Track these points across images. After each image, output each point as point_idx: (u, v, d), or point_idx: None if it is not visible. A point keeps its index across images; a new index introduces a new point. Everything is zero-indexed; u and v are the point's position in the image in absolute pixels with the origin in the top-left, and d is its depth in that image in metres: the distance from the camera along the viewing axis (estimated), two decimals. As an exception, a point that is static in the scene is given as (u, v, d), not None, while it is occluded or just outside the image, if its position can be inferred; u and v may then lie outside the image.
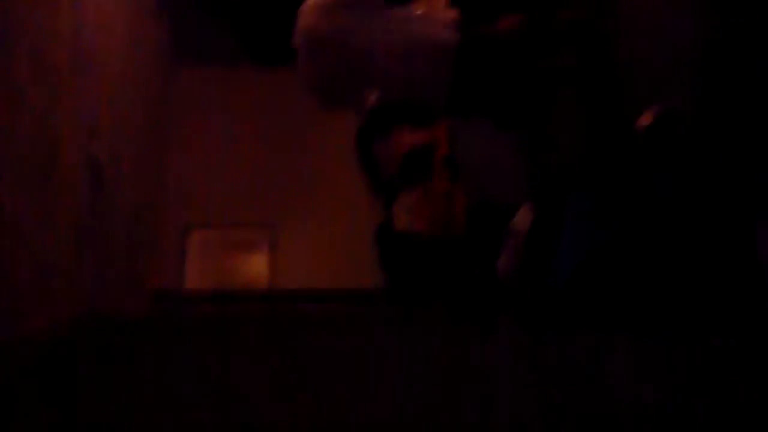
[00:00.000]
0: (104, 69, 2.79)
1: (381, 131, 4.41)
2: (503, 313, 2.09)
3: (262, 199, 4.51)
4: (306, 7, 2.88)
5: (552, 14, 2.92)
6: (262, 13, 2.95)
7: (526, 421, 1.12)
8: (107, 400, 1.10)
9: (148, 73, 3.88)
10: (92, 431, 1.04)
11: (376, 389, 1.22)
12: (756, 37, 1.89)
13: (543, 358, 1.44)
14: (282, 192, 4.54)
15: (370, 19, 2.77)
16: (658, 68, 2.46)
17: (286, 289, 3.87)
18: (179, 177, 4.53)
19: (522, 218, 2.58)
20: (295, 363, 1.52)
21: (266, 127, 4.77)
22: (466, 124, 3.67)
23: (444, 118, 3.82)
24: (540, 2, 3.28)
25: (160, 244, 4.18)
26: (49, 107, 2.09)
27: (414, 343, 1.55)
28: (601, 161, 2.76)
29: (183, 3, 4.69)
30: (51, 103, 2.11)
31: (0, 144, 1.75)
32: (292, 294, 3.04)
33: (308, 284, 4.12)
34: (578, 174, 2.88)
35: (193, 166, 4.61)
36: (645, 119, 2.41)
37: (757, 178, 1.80)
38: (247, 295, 3.14)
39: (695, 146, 2.20)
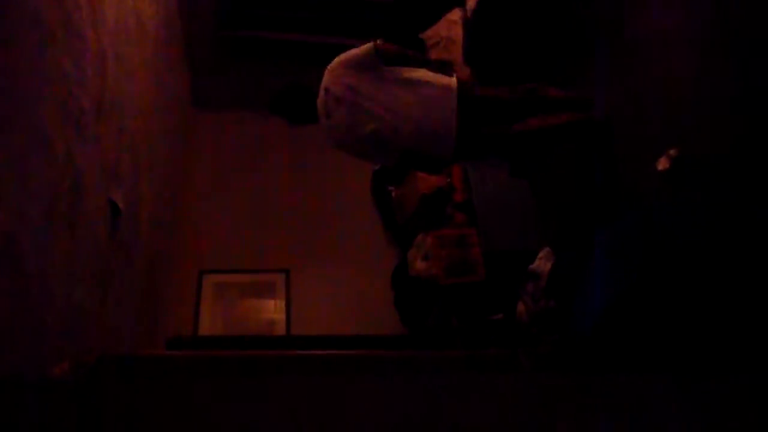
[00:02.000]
0: (126, 116, 2.85)
1: (397, 176, 4.44)
2: (524, 356, 2.07)
3: (278, 243, 4.52)
4: (328, 68, 2.99)
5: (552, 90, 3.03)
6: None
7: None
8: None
9: (168, 120, 3.95)
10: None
11: None
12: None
13: (565, 401, 1.42)
14: (297, 237, 4.55)
15: (377, 77, 2.87)
16: (677, 112, 2.48)
17: (301, 336, 3.84)
18: (195, 221, 4.56)
19: (542, 262, 2.58)
20: (311, 407, 1.51)
21: (281, 172, 4.81)
22: (481, 169, 3.70)
23: (458, 164, 3.85)
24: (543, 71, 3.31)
25: (176, 288, 4.18)
26: (73, 153, 2.13)
27: (431, 388, 1.54)
28: (613, 207, 2.77)
29: (202, 52, 4.80)
30: (75, 149, 2.15)
31: (25, 189, 1.78)
32: (308, 339, 3.02)
33: (324, 328, 4.10)
34: (592, 218, 2.89)
35: (208, 209, 4.64)
36: (663, 163, 2.42)
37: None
38: (263, 340, 3.12)
39: (715, 188, 2.21)
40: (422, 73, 2.90)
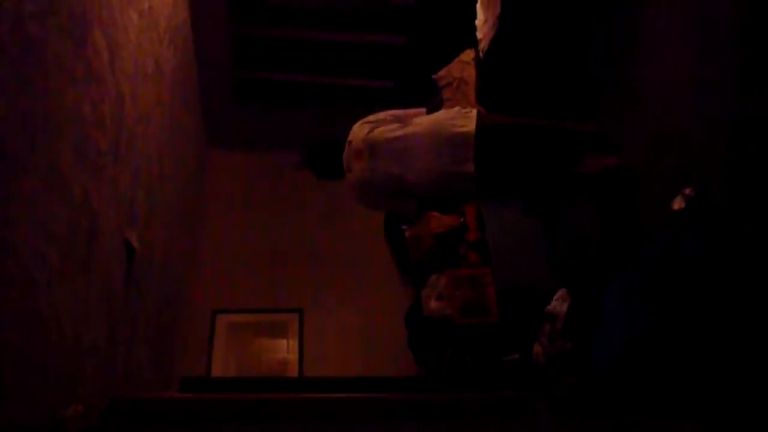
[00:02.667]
0: (142, 157, 2.88)
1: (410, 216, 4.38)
2: (540, 398, 2.04)
3: (291, 283, 4.52)
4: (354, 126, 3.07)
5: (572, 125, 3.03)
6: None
7: None
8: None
9: (183, 160, 3.99)
10: None
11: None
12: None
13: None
14: (311, 276, 4.55)
15: (397, 128, 2.92)
16: (692, 148, 2.47)
17: (314, 378, 3.81)
18: (208, 260, 4.57)
19: (558, 303, 2.56)
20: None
21: (294, 211, 4.82)
22: (495, 209, 3.68)
23: (472, 204, 3.84)
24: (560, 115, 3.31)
25: (189, 327, 4.18)
26: (90, 195, 2.15)
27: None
28: (629, 247, 2.75)
29: (218, 92, 4.86)
30: (92, 190, 2.17)
31: (43, 232, 1.79)
32: (321, 381, 2.99)
33: (338, 368, 4.07)
34: (606, 259, 2.86)
35: (222, 249, 4.65)
36: (678, 203, 2.40)
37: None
38: (276, 383, 3.09)
39: (729, 226, 2.19)
40: (436, 115, 2.94)
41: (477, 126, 2.82)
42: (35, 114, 1.73)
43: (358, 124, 3.08)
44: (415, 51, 4.67)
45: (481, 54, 3.97)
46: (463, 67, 4.20)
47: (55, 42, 1.86)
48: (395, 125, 2.99)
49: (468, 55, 4.19)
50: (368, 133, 2.99)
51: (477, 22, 4.02)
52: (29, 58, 1.69)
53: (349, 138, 3.04)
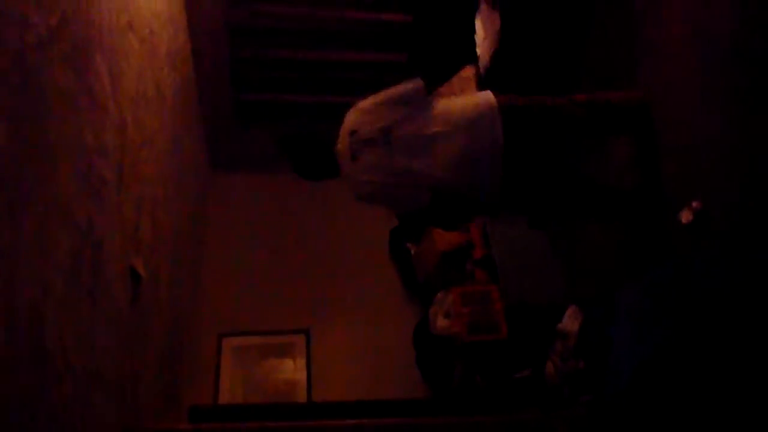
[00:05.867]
0: (146, 182, 2.87)
1: (414, 234, 4.36)
2: (558, 419, 2.01)
3: (297, 304, 4.49)
4: (349, 112, 2.87)
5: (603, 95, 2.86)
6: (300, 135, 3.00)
7: None
8: None
9: (186, 183, 3.98)
10: None
11: None
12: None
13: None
14: (316, 297, 4.52)
15: (413, 113, 2.75)
16: (698, 162, 2.46)
17: (323, 403, 3.76)
18: (213, 284, 4.55)
19: (569, 321, 2.53)
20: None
21: (299, 232, 4.81)
22: (500, 225, 3.62)
23: (478, 220, 3.80)
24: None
25: (195, 352, 4.15)
26: (94, 223, 2.14)
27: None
28: (639, 261, 2.71)
29: (220, 114, 4.87)
30: (96, 218, 2.15)
31: (49, 261, 1.77)
32: (330, 406, 2.96)
33: (346, 388, 4.03)
34: (617, 274, 2.83)
35: (226, 272, 4.63)
36: (686, 216, 2.38)
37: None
38: (284, 409, 3.06)
39: (736, 243, 2.17)
40: (463, 98, 2.79)
41: (502, 106, 2.66)
42: (38, 144, 1.72)
43: (354, 111, 2.85)
44: (416, 68, 4.68)
45: (481, 70, 3.97)
46: (464, 83, 4.20)
47: (57, 71, 1.86)
48: (402, 110, 2.75)
49: (468, 71, 4.20)
50: (377, 120, 2.75)
51: (477, 39, 4.03)
52: (31, 88, 1.69)
53: (352, 127, 2.79)
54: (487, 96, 2.71)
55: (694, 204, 2.42)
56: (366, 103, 2.82)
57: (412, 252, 4.28)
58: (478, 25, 4.00)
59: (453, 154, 2.63)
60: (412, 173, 2.68)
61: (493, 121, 2.61)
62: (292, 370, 4.37)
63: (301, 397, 4.23)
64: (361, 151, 2.72)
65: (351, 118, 2.82)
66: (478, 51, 3.99)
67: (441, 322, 3.63)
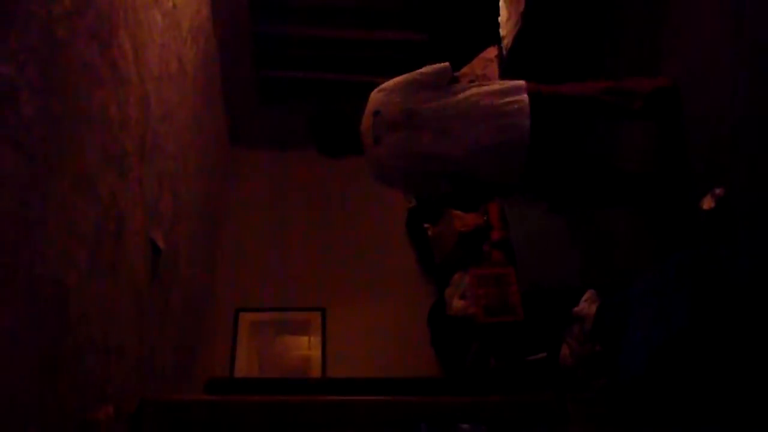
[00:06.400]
0: (167, 157, 2.89)
1: (432, 214, 4.35)
2: (570, 401, 2.02)
3: (314, 281, 4.51)
4: (374, 92, 2.83)
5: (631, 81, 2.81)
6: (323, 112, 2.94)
7: None
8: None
9: (206, 159, 4.00)
10: None
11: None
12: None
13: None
14: (334, 275, 4.54)
15: (439, 96, 2.72)
16: (719, 149, 2.43)
17: (338, 378, 3.80)
18: (231, 259, 4.58)
19: (586, 305, 2.53)
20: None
21: (318, 210, 4.82)
22: (519, 207, 3.59)
23: (497, 201, 3.78)
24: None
25: (213, 326, 4.19)
26: (117, 196, 2.16)
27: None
28: (659, 247, 2.69)
29: (241, 91, 4.87)
30: (118, 191, 2.18)
31: (72, 234, 1.80)
32: (344, 382, 2.98)
33: (360, 366, 4.06)
34: (636, 260, 2.80)
35: (245, 248, 4.66)
36: (707, 202, 2.36)
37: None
38: (299, 384, 3.09)
39: (760, 228, 2.15)
40: (492, 85, 2.72)
41: (531, 94, 2.60)
42: (63, 116, 1.74)
43: (379, 92, 2.79)
44: (438, 48, 4.65)
45: (504, 51, 3.93)
46: (486, 64, 4.17)
47: (82, 44, 1.87)
48: (428, 91, 2.70)
49: (491, 52, 4.16)
50: (403, 101, 2.70)
51: (500, 19, 3.99)
52: (57, 61, 1.70)
53: (376, 108, 2.74)
54: (519, 86, 2.66)
55: (717, 191, 2.39)
56: (391, 84, 2.78)
57: (430, 232, 4.27)
58: (502, 5, 3.96)
59: (478, 142, 2.58)
60: (435, 159, 2.65)
61: (521, 113, 2.57)
62: (307, 347, 4.41)
63: (316, 373, 4.26)
64: (385, 134, 2.68)
65: (375, 98, 2.77)
66: (502, 31, 3.95)
67: (457, 303, 3.63)
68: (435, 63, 2.82)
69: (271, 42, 4.70)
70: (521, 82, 2.67)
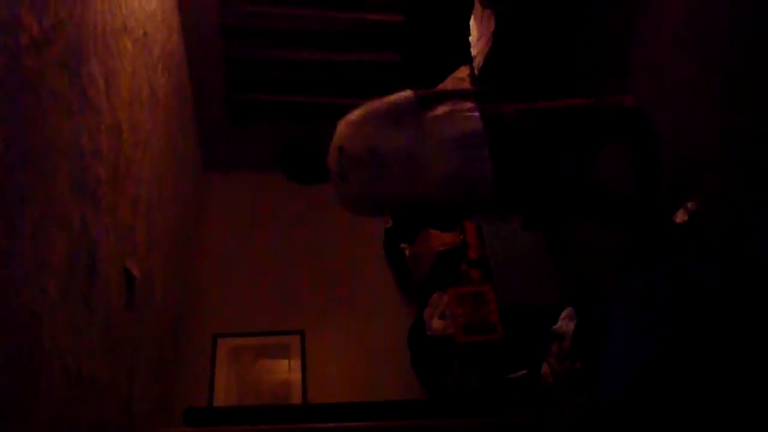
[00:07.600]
0: (140, 183, 2.86)
1: (409, 234, 4.34)
2: (553, 421, 2.01)
3: (292, 305, 4.48)
4: (340, 123, 2.81)
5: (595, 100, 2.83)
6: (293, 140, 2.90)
7: None
8: None
9: (180, 184, 3.97)
10: None
11: None
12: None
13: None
14: (311, 297, 4.51)
15: (402, 131, 2.70)
16: (691, 162, 2.46)
17: (318, 405, 3.75)
18: (207, 284, 4.54)
19: (564, 322, 2.54)
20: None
21: (293, 232, 4.80)
22: (495, 225, 3.60)
23: (472, 221, 3.79)
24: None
25: (190, 352, 4.14)
26: (89, 224, 2.13)
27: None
28: (635, 263, 2.71)
29: (213, 115, 4.86)
30: (91, 220, 2.15)
31: (44, 265, 1.77)
32: (325, 408, 2.95)
33: (341, 389, 4.02)
34: (613, 276, 2.82)
35: (221, 273, 4.62)
36: (680, 216, 2.39)
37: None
38: (280, 411, 3.05)
39: (731, 244, 2.17)
40: (455, 109, 2.65)
41: (486, 118, 2.56)
42: (34, 147, 1.72)
43: (343, 124, 2.72)
44: (410, 69, 4.68)
45: (475, 70, 3.97)
46: (458, 83, 4.20)
47: (51, 73, 1.85)
48: (391, 127, 2.62)
49: (463, 71, 4.20)
50: (365, 138, 2.64)
51: (471, 39, 4.03)
52: (26, 91, 1.68)
53: (340, 143, 2.68)
54: (475, 123, 2.61)
55: (690, 204, 2.42)
56: (354, 116, 2.69)
57: (407, 252, 4.27)
58: (473, 25, 4.00)
59: (444, 175, 2.54)
60: (401, 196, 2.64)
61: (482, 146, 2.53)
62: (287, 370, 4.37)
63: (297, 397, 4.22)
64: (350, 170, 2.61)
65: (340, 132, 2.69)
66: (473, 51, 3.99)
67: (436, 323, 3.63)
68: (407, 85, 2.79)
69: (242, 65, 4.70)
70: (478, 121, 2.61)
